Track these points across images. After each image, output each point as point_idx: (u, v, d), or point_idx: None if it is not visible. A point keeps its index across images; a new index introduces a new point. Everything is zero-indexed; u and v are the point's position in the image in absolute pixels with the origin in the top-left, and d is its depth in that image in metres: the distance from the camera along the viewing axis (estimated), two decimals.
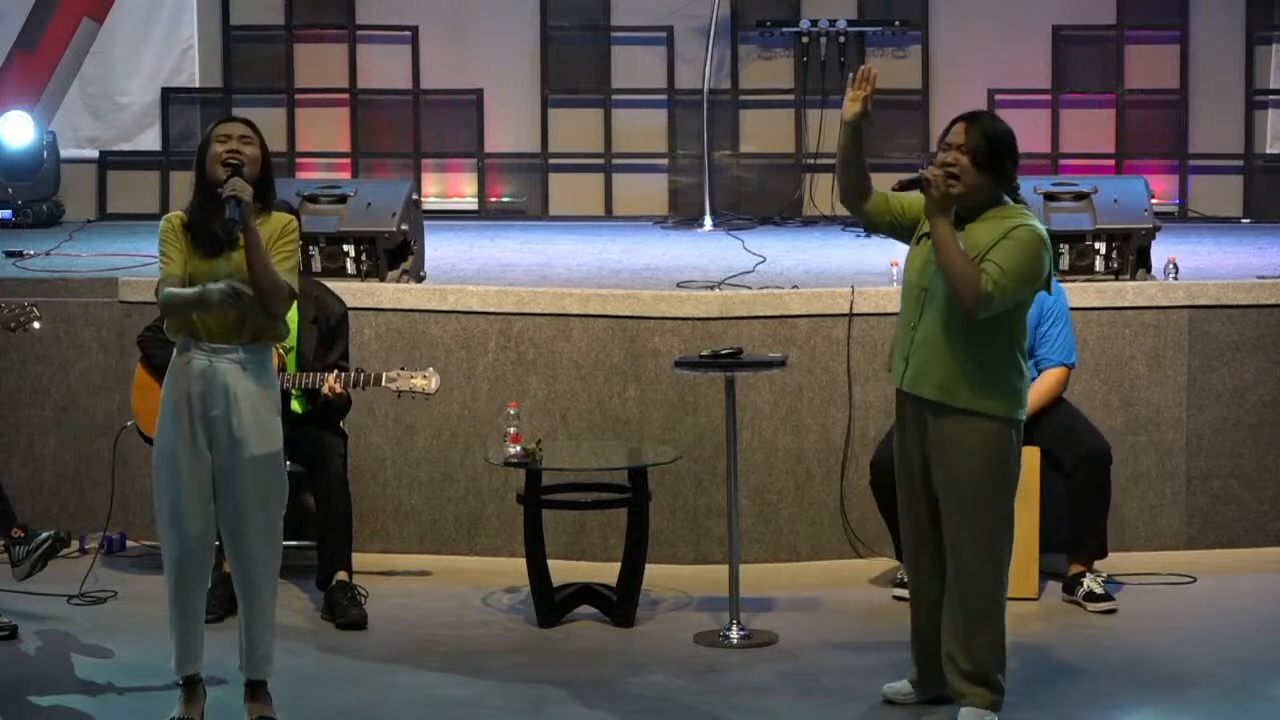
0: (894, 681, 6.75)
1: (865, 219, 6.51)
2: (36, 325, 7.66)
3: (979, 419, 6.30)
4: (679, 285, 9.11)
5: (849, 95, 6.33)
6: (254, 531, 6.32)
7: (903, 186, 6.35)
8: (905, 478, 6.54)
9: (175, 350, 6.34)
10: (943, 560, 6.47)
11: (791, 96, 12.28)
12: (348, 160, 12.42)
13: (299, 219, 6.54)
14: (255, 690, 6.46)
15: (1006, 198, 6.39)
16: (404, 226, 9.15)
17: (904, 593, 7.34)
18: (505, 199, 12.43)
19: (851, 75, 6.39)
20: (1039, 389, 7.92)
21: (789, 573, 8.51)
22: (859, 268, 9.42)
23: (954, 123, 6.37)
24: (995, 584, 6.40)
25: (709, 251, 10.48)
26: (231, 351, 6.26)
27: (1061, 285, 8.20)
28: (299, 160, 12.37)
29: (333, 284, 8.58)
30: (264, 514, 6.33)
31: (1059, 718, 6.58)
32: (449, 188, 12.49)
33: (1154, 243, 9.01)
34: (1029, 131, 12.01)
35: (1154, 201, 9.37)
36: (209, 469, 6.30)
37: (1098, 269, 8.97)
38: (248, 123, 6.38)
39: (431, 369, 8.06)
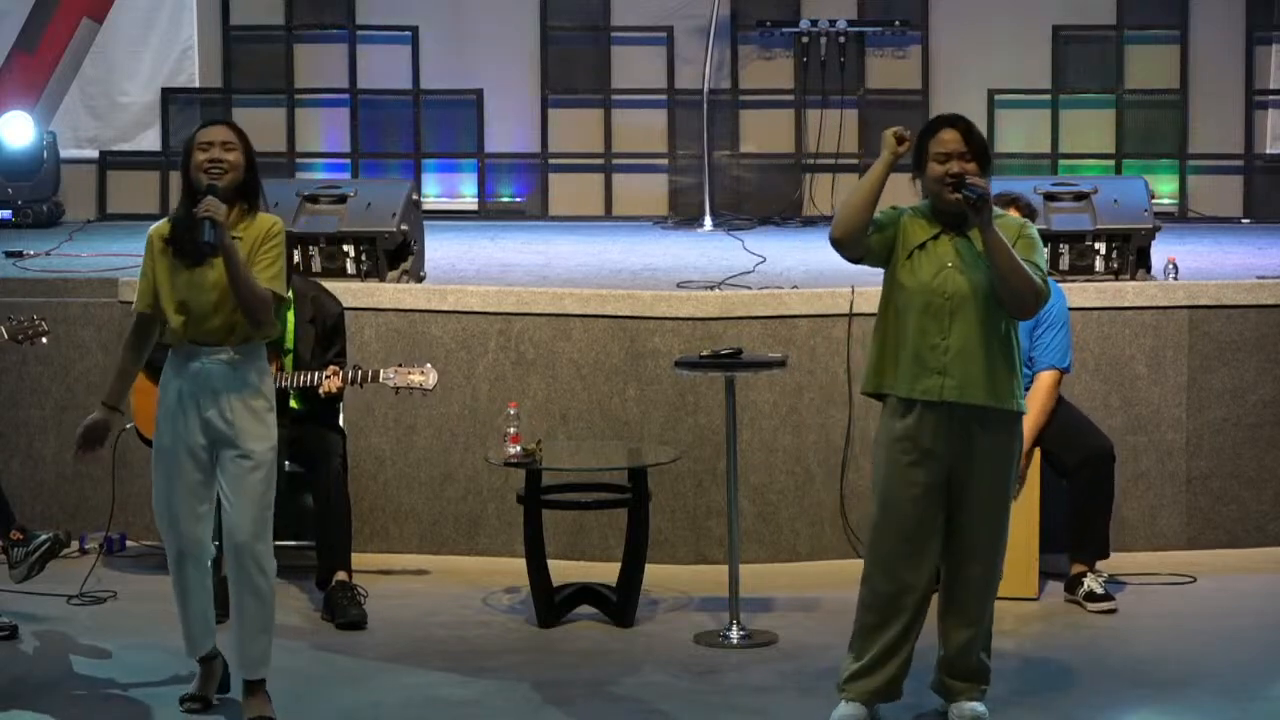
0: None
1: (864, 250, 6.37)
2: (44, 340, 7.77)
3: (1017, 418, 6.35)
4: (679, 285, 9.11)
5: (895, 137, 6.22)
6: (246, 529, 6.33)
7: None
8: (921, 493, 6.32)
9: (169, 352, 6.39)
10: (932, 569, 6.42)
11: (791, 97, 12.28)
12: (348, 160, 12.42)
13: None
14: (253, 690, 6.46)
15: None
16: (404, 226, 9.15)
17: None
18: (505, 199, 12.43)
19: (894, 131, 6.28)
20: (1034, 394, 7.92)
21: (789, 573, 8.51)
22: (859, 268, 9.36)
23: (939, 129, 6.28)
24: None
25: (709, 251, 10.47)
26: (222, 352, 6.30)
27: (1062, 288, 8.19)
28: (299, 160, 12.37)
29: (333, 284, 8.57)
30: (256, 511, 6.34)
31: (1059, 718, 6.58)
32: (449, 188, 12.49)
33: (1154, 243, 9.02)
34: (1029, 131, 12.08)
35: (1154, 201, 9.37)
36: (207, 469, 6.35)
37: (1098, 269, 8.97)
38: (230, 125, 6.35)
39: (429, 364, 8.06)
